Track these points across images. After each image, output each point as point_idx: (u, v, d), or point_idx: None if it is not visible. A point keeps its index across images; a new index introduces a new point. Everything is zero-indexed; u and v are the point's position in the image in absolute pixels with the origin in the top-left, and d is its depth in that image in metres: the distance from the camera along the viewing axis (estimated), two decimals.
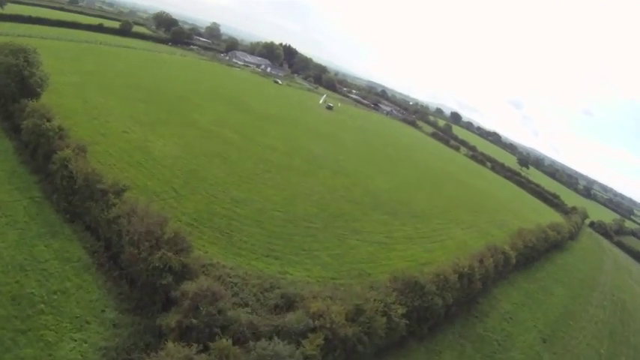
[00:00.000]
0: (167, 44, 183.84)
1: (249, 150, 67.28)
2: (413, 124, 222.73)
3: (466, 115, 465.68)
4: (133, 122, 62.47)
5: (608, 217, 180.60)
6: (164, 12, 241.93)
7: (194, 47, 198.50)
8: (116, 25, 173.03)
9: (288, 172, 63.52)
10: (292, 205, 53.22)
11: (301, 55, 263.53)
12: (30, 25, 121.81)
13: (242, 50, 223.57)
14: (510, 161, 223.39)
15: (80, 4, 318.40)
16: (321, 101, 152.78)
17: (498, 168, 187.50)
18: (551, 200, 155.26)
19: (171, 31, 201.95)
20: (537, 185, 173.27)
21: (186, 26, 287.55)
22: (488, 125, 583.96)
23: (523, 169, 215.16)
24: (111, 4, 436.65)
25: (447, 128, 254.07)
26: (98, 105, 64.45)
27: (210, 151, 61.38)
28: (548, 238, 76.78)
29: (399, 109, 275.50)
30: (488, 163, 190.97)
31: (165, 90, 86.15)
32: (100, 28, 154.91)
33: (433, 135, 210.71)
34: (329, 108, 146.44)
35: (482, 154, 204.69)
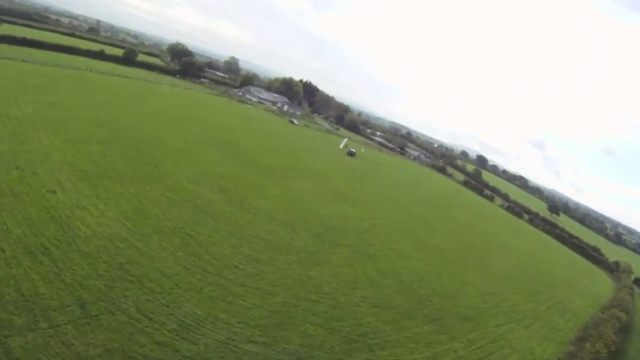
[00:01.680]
0: (175, 76, 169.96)
1: (232, 221, 46.58)
2: (443, 170, 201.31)
3: (489, 157, 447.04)
4: (70, 175, 43.61)
5: None
6: (180, 43, 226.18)
7: (205, 80, 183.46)
8: (119, 52, 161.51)
9: (285, 259, 42.51)
10: (284, 327, 32.12)
11: (322, 93, 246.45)
12: (20, 47, 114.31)
13: (258, 86, 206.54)
14: (540, 208, 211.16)
15: (103, 34, 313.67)
16: (341, 146, 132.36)
17: (537, 221, 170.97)
18: (594, 256, 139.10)
19: (180, 62, 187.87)
20: (578, 239, 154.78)
21: (203, 59, 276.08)
22: (511, 167, 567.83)
23: (554, 216, 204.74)
24: (136, 37, 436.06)
25: (476, 174, 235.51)
26: (36, 147, 46.99)
27: (171, 224, 40.97)
28: (621, 325, 60.52)
29: (425, 152, 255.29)
30: (525, 215, 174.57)
31: (140, 129, 67.59)
32: (100, 55, 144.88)
33: (465, 183, 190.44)
34: (351, 154, 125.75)
35: (516, 203, 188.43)
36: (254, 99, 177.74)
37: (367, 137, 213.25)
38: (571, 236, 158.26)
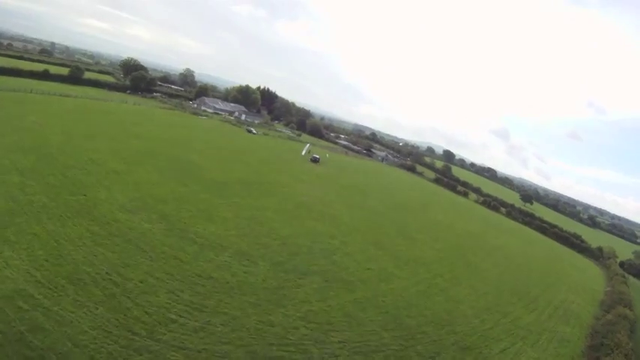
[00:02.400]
0: (126, 92, 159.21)
1: (172, 256, 37.50)
2: (412, 170, 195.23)
3: (455, 150, 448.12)
4: None
5: (616, 244, 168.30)
6: (132, 59, 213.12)
7: (157, 95, 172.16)
8: (65, 71, 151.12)
9: (238, 302, 33.70)
10: None
11: (282, 99, 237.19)
12: None
13: (214, 97, 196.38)
14: (513, 198, 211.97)
15: (58, 55, 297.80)
16: (304, 152, 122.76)
17: (514, 213, 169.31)
18: (577, 244, 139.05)
19: (131, 78, 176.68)
20: (559, 228, 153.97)
21: (159, 74, 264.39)
22: (478, 159, 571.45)
23: (527, 205, 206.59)
24: (92, 57, 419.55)
25: (446, 170, 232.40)
26: None
27: (93, 270, 32.18)
28: (631, 325, 56.90)
29: (392, 152, 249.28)
30: (503, 209, 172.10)
31: (71, 152, 58.03)
32: (44, 75, 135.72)
33: (437, 181, 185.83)
34: (314, 160, 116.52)
35: (490, 196, 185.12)
36: (209, 110, 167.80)
37: (331, 141, 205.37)
38: (552, 226, 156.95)
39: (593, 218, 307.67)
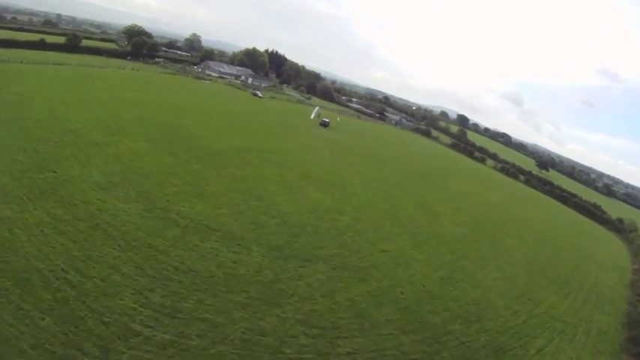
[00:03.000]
0: (126, 58, 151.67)
1: (146, 244, 31.13)
2: (428, 134, 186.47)
3: (468, 115, 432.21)
4: None
5: (633, 215, 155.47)
6: (136, 25, 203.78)
7: (160, 60, 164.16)
8: (62, 40, 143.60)
9: (223, 303, 27.29)
10: None
11: (291, 62, 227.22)
12: None
13: (220, 61, 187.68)
14: (528, 164, 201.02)
15: (64, 26, 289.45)
16: (312, 116, 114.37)
17: (534, 181, 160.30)
18: (598, 215, 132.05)
19: (131, 43, 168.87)
20: (579, 198, 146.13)
21: (164, 41, 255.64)
22: (491, 125, 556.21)
23: (543, 172, 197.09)
24: (99, 27, 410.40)
25: (461, 134, 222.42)
26: None
27: (46, 266, 26.17)
28: None
29: (406, 116, 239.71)
30: (521, 176, 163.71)
31: (50, 123, 51.39)
32: (40, 45, 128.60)
33: (453, 146, 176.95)
34: (324, 125, 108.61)
35: (507, 163, 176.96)
36: (214, 74, 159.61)
37: (343, 105, 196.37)
38: (572, 195, 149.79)
39: (609, 187, 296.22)
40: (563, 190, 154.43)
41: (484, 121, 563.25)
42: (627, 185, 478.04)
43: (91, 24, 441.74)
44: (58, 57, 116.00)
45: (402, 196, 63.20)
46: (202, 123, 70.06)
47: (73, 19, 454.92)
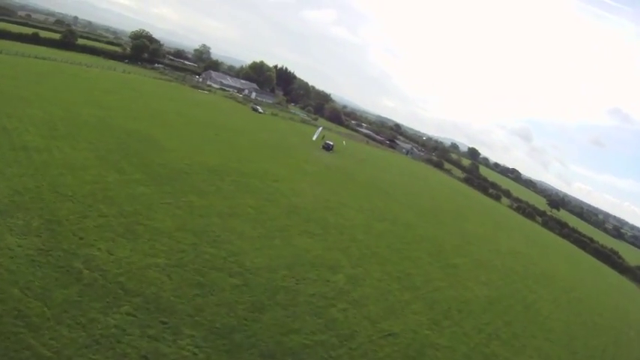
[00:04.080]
0: (124, 61, 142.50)
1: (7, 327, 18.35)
2: (440, 166, 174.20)
3: (477, 149, 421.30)
4: None
5: None
6: (143, 30, 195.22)
7: (159, 66, 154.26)
8: (57, 36, 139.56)
9: None
10: None
11: (300, 81, 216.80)
12: None
13: (224, 72, 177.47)
14: (540, 203, 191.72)
15: (77, 28, 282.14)
16: (315, 137, 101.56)
17: (551, 223, 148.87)
18: (618, 263, 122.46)
19: (131, 46, 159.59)
20: (599, 244, 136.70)
21: (170, 49, 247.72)
22: (499, 159, 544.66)
23: (554, 211, 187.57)
24: (114, 32, 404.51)
25: (473, 168, 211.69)
26: None
27: None
28: None
29: (417, 146, 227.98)
30: (538, 218, 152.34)
31: None
32: (34, 39, 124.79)
33: (467, 181, 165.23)
34: (327, 148, 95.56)
35: (522, 202, 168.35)
36: (215, 85, 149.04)
37: (351, 128, 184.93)
38: (591, 240, 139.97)
39: (618, 229, 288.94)
40: (582, 235, 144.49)
41: (492, 156, 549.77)
42: (633, 227, 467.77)
43: (107, 29, 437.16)
44: (45, 51, 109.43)
45: (413, 243, 50.19)
46: (176, 134, 57.85)
47: (89, 22, 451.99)
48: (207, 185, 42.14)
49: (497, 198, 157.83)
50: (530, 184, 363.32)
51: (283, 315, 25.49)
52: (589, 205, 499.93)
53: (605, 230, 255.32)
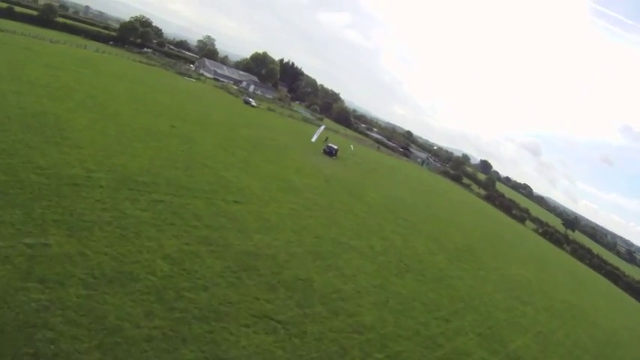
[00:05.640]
0: (108, 43, 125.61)
1: None
2: (458, 180, 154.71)
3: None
4: None
5: None
6: (142, 16, 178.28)
7: (147, 50, 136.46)
8: (34, 12, 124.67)
9: None
10: None
11: (308, 78, 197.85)
12: None
13: (222, 62, 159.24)
14: (555, 223, 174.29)
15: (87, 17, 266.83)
16: (314, 138, 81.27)
17: (581, 252, 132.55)
18: None
19: (119, 27, 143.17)
20: (632, 279, 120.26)
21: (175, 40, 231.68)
22: (507, 173, 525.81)
23: (568, 232, 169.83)
24: (117, 19, 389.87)
25: (489, 183, 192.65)
26: None
27: None
28: None
29: (430, 155, 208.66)
30: (567, 246, 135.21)
31: None
32: (8, 14, 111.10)
33: (488, 199, 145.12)
34: (329, 152, 75.18)
35: (544, 224, 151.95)
36: (208, 74, 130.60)
37: (361, 132, 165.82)
38: (624, 275, 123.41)
39: (631, 253, 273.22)
40: (616, 269, 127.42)
41: (500, 169, 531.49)
42: (638, 248, 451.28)
43: (117, 20, 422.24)
44: (14, 25, 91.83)
45: (455, 315, 30.82)
46: (104, 124, 38.67)
47: (100, 13, 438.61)
48: (99, 209, 23.18)
49: (521, 220, 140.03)
50: (542, 201, 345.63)
51: None
52: (596, 224, 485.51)
53: (618, 253, 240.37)
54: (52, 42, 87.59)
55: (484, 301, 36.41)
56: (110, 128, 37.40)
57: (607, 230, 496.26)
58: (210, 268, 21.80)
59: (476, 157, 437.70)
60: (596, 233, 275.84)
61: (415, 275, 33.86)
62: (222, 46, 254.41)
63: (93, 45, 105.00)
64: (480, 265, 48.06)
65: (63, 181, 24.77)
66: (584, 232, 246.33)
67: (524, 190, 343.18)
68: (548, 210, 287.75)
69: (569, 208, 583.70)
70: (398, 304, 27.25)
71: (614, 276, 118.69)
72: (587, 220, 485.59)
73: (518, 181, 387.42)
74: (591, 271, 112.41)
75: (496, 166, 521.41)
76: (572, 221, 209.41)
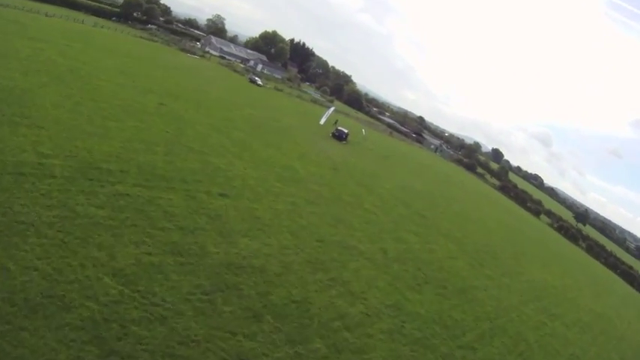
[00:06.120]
0: (111, 19, 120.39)
1: None
2: (472, 169, 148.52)
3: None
4: None
5: None
6: None
7: (152, 27, 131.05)
8: None
9: None
10: None
11: (319, 59, 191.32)
12: None
13: (231, 41, 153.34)
14: (566, 216, 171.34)
15: None
16: (323, 120, 74.84)
17: (596, 249, 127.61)
18: None
19: (121, 3, 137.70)
20: None
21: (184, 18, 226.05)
22: (517, 162, 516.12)
23: (579, 225, 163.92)
24: None
25: (502, 173, 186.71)
26: None
27: None
28: None
29: (444, 143, 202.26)
30: (582, 243, 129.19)
31: None
32: None
33: (502, 190, 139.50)
34: (339, 137, 69.31)
35: (558, 218, 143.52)
36: (214, 52, 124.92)
37: (373, 116, 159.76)
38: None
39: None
40: (631, 267, 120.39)
41: (511, 158, 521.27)
42: None
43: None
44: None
45: (483, 337, 25.70)
46: (80, 100, 33.49)
47: None
48: (42, 206, 18.17)
49: (536, 213, 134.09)
50: (552, 192, 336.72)
51: None
52: (604, 218, 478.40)
53: (627, 249, 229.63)
54: (47, 16, 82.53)
55: (512, 318, 31.18)
56: (84, 105, 32.24)
57: (615, 224, 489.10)
58: (174, 289, 16.71)
59: (486, 145, 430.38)
60: (605, 227, 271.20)
61: (435, 288, 28.60)
62: (234, 27, 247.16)
63: (92, 20, 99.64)
64: (504, 270, 42.66)
65: (6, 169, 19.82)
66: (594, 226, 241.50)
67: (535, 180, 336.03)
68: (559, 202, 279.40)
69: (578, 200, 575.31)
70: (416, 330, 22.08)
71: (629, 276, 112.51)
72: (595, 212, 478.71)
73: (529, 171, 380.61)
74: (608, 271, 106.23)
75: (507, 155, 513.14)
76: (583, 214, 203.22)
